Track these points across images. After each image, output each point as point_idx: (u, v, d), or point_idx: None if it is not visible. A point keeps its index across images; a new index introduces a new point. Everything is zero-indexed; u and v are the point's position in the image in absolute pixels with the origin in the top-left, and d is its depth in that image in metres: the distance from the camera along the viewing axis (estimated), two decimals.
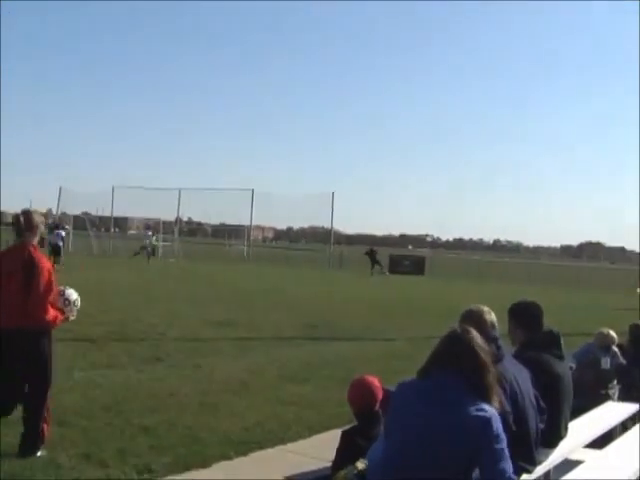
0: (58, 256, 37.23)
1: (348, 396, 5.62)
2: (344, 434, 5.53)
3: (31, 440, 6.59)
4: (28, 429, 6.63)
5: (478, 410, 3.86)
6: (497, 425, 3.88)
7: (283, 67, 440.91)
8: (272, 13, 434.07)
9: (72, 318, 6.99)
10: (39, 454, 6.56)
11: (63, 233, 42.26)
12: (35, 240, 6.82)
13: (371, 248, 51.81)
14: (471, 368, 3.96)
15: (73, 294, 6.93)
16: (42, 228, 7.01)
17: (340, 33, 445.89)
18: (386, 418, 4.35)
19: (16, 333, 6.46)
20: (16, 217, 6.87)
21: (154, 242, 50.44)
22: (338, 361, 12.27)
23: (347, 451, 5.25)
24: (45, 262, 6.76)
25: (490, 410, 3.90)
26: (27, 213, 6.88)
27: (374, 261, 49.84)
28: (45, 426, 6.73)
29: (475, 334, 4.11)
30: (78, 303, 6.96)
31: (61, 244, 40.04)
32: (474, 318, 4.88)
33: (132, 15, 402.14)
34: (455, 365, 3.97)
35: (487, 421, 3.84)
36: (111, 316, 16.44)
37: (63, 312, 6.78)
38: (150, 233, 45.84)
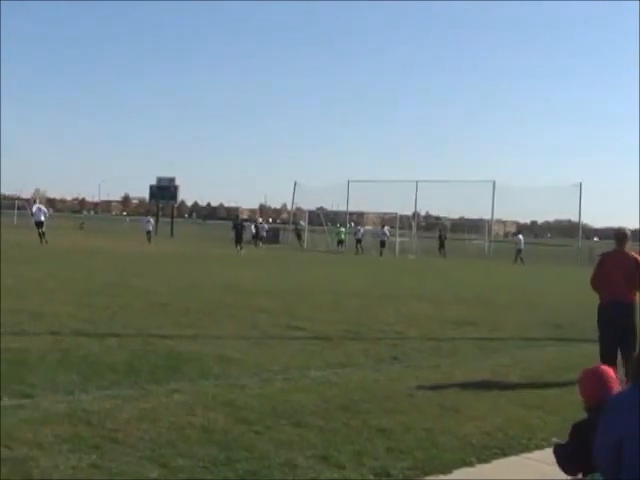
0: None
1: (579, 386, 5.13)
2: (574, 427, 5.07)
3: None
4: None
5: None
6: None
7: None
8: None
9: None
10: None
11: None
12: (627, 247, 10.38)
13: None
14: None
15: None
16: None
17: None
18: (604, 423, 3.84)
19: (616, 306, 9.98)
20: (622, 232, 10.50)
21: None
22: (585, 364, 11.47)
23: (578, 445, 4.85)
24: None
25: None
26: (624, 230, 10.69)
27: None
28: None
29: None
30: None
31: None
32: None
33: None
34: None
35: None
36: (346, 314, 16.46)
37: None
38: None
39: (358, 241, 55.22)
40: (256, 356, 10.87)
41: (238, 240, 44.44)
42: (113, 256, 33.96)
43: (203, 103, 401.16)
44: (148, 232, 53.87)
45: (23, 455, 5.97)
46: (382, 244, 53.92)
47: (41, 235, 39.42)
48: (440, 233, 58.32)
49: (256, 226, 58.61)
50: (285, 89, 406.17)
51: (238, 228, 45.62)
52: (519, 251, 50.74)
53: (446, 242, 57.16)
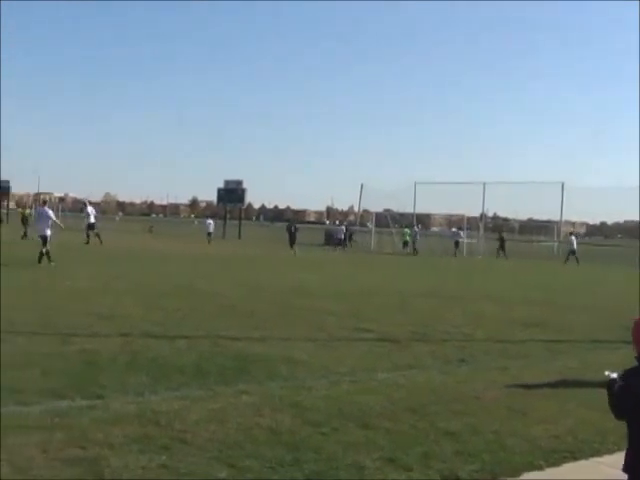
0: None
1: (633, 335, 5.06)
2: (624, 372, 5.01)
3: None
4: None
5: None
6: None
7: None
8: None
9: None
10: None
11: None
12: None
13: None
14: None
15: None
16: None
17: None
18: None
19: None
20: None
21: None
22: None
23: (624, 390, 4.80)
24: None
25: None
26: None
27: None
28: None
29: None
30: None
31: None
32: None
33: None
34: None
35: None
36: (413, 316, 16.41)
37: None
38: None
39: (413, 242, 55.53)
40: (323, 358, 10.89)
41: (292, 242, 45.45)
42: (181, 258, 34.39)
43: (270, 106, 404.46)
44: (209, 234, 55.59)
45: (95, 455, 6.08)
46: (456, 244, 54.22)
47: (98, 236, 40.64)
48: (500, 235, 58.14)
49: (347, 229, 60.26)
50: (351, 91, 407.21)
51: (291, 230, 46.69)
52: (572, 252, 50.31)
53: (515, 244, 56.72)
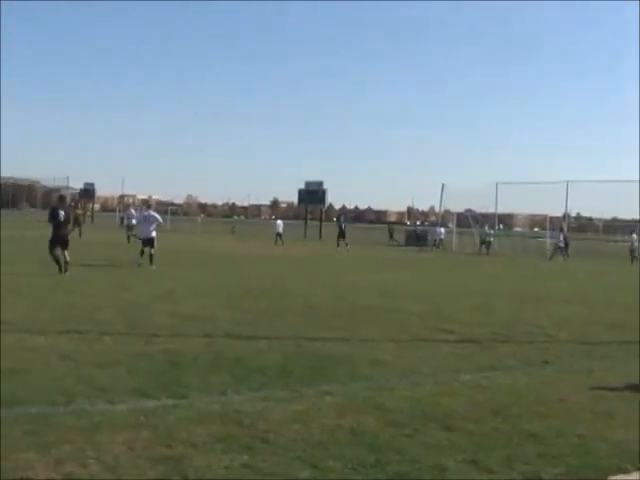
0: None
1: None
2: None
3: None
4: None
5: None
6: None
7: None
8: None
9: None
10: None
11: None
12: None
13: None
14: None
15: None
16: None
17: None
18: None
19: None
20: None
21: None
22: None
23: None
24: None
25: None
26: None
27: None
28: None
29: None
30: None
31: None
32: None
33: None
34: None
35: None
36: (494, 316, 16.27)
37: None
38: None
39: (482, 242, 55.19)
40: (405, 359, 10.85)
41: (341, 237, 46.14)
42: (262, 259, 34.72)
43: (351, 107, 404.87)
44: (278, 234, 54.89)
45: (179, 454, 6.19)
46: (560, 249, 52.48)
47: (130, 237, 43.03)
48: (563, 234, 57.40)
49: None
50: (430, 91, 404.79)
51: (341, 225, 47.35)
52: (633, 250, 50.27)
53: (598, 243, 55.83)
